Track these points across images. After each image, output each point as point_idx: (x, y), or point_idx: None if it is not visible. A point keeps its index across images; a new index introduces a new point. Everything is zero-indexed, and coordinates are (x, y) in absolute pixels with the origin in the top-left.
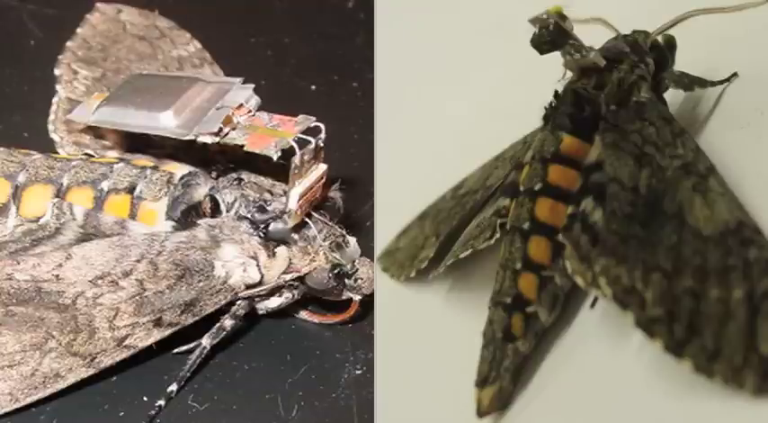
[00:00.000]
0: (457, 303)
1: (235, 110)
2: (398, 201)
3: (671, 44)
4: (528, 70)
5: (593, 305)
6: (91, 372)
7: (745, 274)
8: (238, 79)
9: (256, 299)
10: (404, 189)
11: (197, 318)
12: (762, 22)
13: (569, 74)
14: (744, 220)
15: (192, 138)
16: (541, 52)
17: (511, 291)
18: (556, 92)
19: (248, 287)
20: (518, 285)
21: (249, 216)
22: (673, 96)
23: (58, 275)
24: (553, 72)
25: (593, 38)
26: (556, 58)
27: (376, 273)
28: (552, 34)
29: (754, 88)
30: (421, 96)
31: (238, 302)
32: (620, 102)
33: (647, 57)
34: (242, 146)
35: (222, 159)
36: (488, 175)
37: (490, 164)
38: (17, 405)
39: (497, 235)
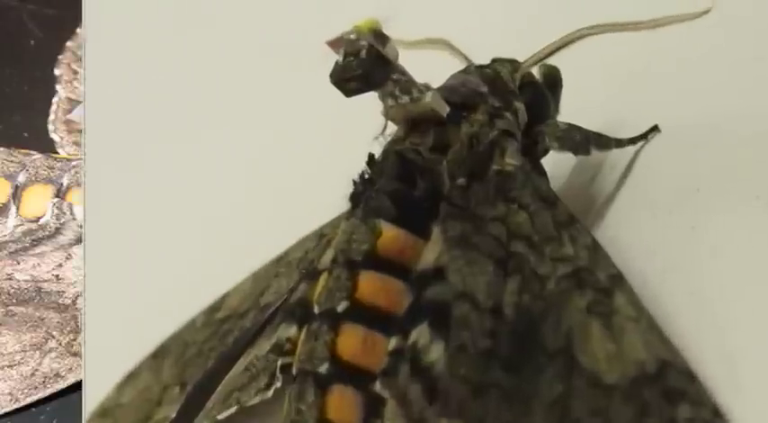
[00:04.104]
0: None
1: None
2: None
3: (553, 79)
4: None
5: None
6: None
7: None
8: None
9: None
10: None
11: None
12: (695, 41)
13: (393, 127)
14: (668, 360)
15: None
16: (347, 93)
17: None
18: (371, 156)
19: None
20: None
21: None
22: (557, 158)
23: (57, 275)
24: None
25: (432, 67)
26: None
27: None
28: (364, 65)
29: (691, 140)
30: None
31: None
32: (472, 172)
33: (516, 100)
34: None
35: None
36: (263, 289)
37: (267, 270)
38: (17, 405)
39: (278, 384)
